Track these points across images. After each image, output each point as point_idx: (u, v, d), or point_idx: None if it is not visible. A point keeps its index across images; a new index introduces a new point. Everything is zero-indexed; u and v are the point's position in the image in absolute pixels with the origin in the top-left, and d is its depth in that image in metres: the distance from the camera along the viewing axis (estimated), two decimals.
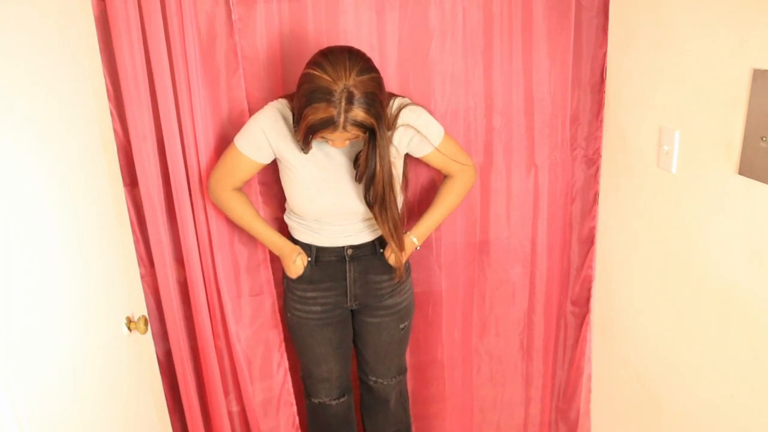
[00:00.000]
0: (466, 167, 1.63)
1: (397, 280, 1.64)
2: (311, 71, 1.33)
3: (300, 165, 1.51)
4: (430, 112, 1.60)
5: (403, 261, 1.62)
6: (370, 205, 1.49)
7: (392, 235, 1.52)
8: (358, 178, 1.48)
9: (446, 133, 1.57)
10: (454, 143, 1.61)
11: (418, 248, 1.66)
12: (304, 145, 1.41)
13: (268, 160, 1.53)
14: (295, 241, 1.63)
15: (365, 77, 1.32)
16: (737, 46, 1.17)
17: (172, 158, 1.57)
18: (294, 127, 1.42)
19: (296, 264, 1.60)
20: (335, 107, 1.30)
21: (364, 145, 1.42)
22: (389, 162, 1.44)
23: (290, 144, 1.49)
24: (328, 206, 1.53)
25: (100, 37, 1.49)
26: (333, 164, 1.52)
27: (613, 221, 1.74)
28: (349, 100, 1.30)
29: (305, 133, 1.35)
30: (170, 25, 1.47)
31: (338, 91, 1.29)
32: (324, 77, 1.30)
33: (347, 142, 1.43)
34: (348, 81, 1.29)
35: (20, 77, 1.00)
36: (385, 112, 1.39)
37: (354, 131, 1.35)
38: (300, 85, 1.35)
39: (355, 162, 1.49)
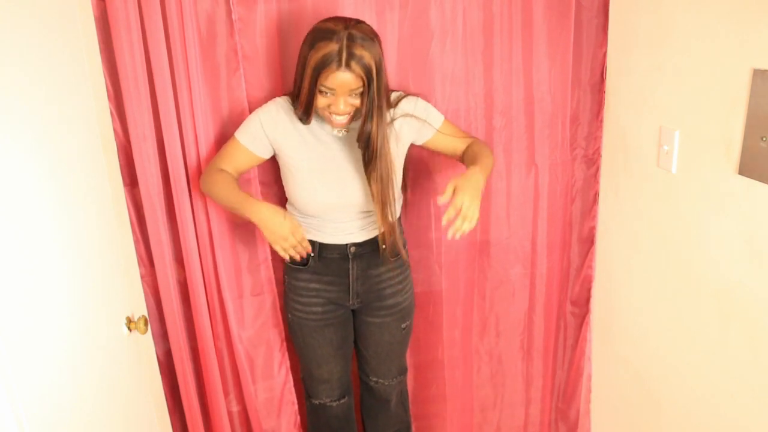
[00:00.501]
0: (475, 139, 1.63)
1: (384, 247, 1.57)
2: (315, 26, 1.41)
3: (299, 159, 1.52)
4: None
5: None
6: (366, 164, 1.49)
7: (379, 197, 1.49)
8: (357, 139, 1.49)
9: (446, 119, 1.60)
10: (455, 126, 1.62)
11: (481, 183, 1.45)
12: (305, 114, 1.44)
13: (264, 154, 1.54)
14: None
15: (366, 26, 1.40)
16: (737, 46, 1.17)
17: (172, 158, 1.57)
18: (296, 94, 1.45)
19: (283, 225, 1.43)
20: (338, 43, 1.35)
21: (362, 106, 1.43)
22: (384, 124, 1.47)
23: (289, 137, 1.51)
24: (330, 200, 1.53)
25: (100, 37, 1.49)
26: (332, 157, 1.52)
27: (613, 221, 1.74)
28: (351, 39, 1.35)
29: (310, 82, 1.38)
30: (170, 25, 1.47)
31: (340, 30, 1.35)
32: (327, 24, 1.38)
33: (348, 116, 1.43)
34: (350, 26, 1.37)
35: (20, 77, 1.01)
36: (383, 66, 1.42)
37: (357, 70, 1.36)
38: (304, 41, 1.41)
39: (359, 138, 1.49)
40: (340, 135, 1.53)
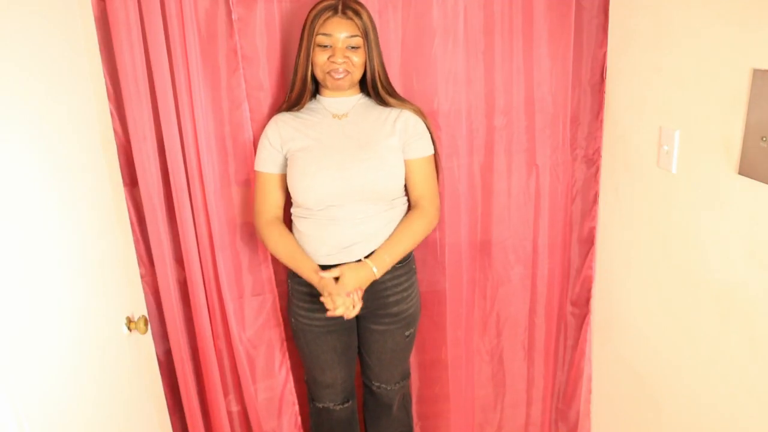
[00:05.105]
0: (433, 207, 1.62)
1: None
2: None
3: (298, 148, 1.54)
4: (434, 112, 1.67)
5: (358, 288, 1.53)
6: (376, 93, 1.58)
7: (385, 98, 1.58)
8: (367, 84, 1.57)
9: (433, 155, 1.62)
10: (435, 176, 1.65)
11: (378, 277, 1.56)
12: (302, 86, 1.53)
13: (284, 168, 1.58)
14: None
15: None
16: (737, 46, 1.17)
17: (172, 158, 1.57)
18: (294, 73, 1.55)
19: (323, 288, 1.51)
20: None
21: (363, 57, 1.52)
22: (380, 62, 1.55)
23: (292, 135, 1.55)
24: (331, 183, 1.50)
25: (100, 37, 1.49)
26: (331, 141, 1.54)
27: (613, 221, 1.74)
28: None
29: (308, 36, 1.48)
30: (170, 25, 1.47)
31: None
32: None
33: (346, 74, 1.50)
34: None
35: (20, 77, 1.01)
36: (376, 31, 1.52)
37: (354, 18, 1.47)
38: (304, 21, 1.51)
39: (368, 84, 1.57)
40: (340, 120, 1.56)
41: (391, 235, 1.57)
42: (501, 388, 2.05)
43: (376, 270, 1.53)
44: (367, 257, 1.55)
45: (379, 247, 1.56)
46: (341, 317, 1.58)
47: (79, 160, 1.25)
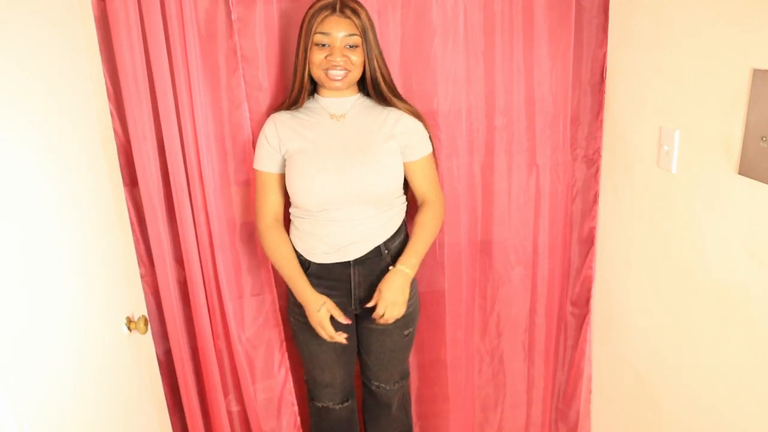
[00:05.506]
0: (439, 201, 1.64)
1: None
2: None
3: (296, 149, 1.54)
4: (434, 112, 1.67)
5: (405, 300, 1.58)
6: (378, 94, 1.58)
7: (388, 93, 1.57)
8: (367, 85, 1.56)
9: (431, 154, 1.62)
10: (436, 170, 1.65)
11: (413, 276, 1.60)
12: (300, 86, 1.52)
13: (283, 169, 1.58)
14: (300, 259, 1.61)
15: None
16: (737, 46, 1.17)
17: (172, 158, 1.57)
18: (295, 66, 1.53)
19: (320, 313, 1.56)
20: None
21: (361, 57, 1.51)
22: (381, 61, 1.54)
23: (290, 135, 1.55)
24: (330, 186, 1.50)
25: (100, 37, 1.49)
26: (329, 143, 1.54)
27: (613, 221, 1.74)
28: None
29: (306, 35, 1.47)
30: (170, 25, 1.47)
31: None
32: None
33: (345, 72, 1.49)
34: None
35: (21, 77, 1.01)
36: (374, 29, 1.51)
37: (351, 17, 1.46)
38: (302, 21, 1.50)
39: (368, 85, 1.57)
40: (338, 121, 1.56)
41: (411, 238, 1.60)
42: (501, 388, 2.05)
43: (410, 270, 1.57)
44: (392, 265, 1.58)
45: (404, 252, 1.58)
46: (343, 322, 1.59)
47: (79, 160, 1.25)
